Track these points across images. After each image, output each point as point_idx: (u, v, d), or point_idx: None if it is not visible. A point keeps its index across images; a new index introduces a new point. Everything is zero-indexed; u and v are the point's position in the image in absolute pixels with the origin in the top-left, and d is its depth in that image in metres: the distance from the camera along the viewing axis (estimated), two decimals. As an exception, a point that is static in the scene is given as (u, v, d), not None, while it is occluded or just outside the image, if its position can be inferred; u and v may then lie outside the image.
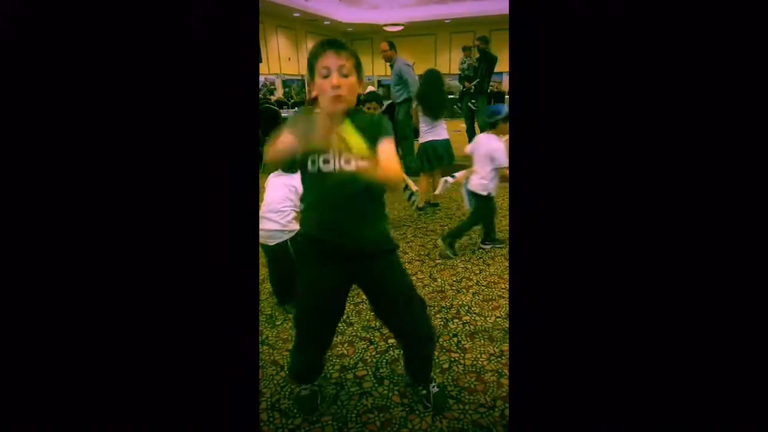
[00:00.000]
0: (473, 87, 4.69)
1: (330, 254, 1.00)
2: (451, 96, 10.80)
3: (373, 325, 1.62)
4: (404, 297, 1.08)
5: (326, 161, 0.94)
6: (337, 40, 0.97)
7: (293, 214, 1.66)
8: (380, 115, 1.05)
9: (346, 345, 1.51)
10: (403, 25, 10.77)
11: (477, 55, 4.78)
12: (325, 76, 0.93)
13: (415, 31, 11.51)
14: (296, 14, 9.70)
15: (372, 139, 0.94)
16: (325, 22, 10.62)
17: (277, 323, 1.66)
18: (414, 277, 2.02)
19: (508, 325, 1.60)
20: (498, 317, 1.66)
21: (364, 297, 1.82)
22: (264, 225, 1.65)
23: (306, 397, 1.22)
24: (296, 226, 1.60)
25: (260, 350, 1.48)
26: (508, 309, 1.72)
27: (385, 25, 10.81)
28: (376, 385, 1.30)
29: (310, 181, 0.98)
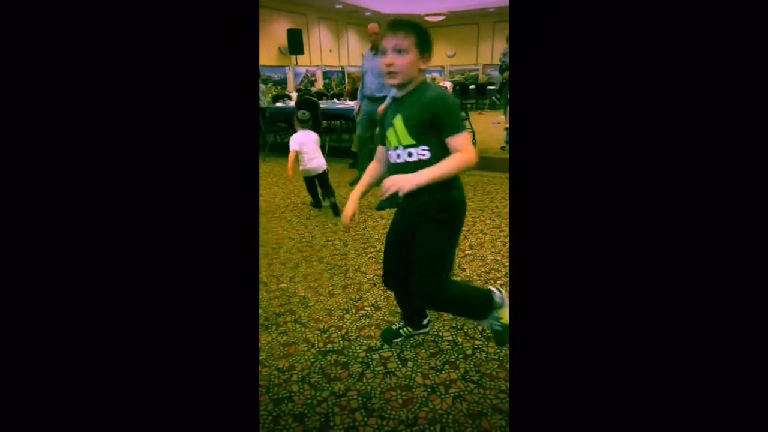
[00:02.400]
0: (513, 78, 4.59)
1: (401, 205, 1.27)
2: (491, 87, 10.56)
3: (400, 311, 1.68)
4: (421, 263, 1.19)
5: (389, 155, 1.17)
6: (398, 20, 1.07)
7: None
8: (439, 92, 1.08)
9: (373, 328, 1.57)
10: (444, 14, 10.62)
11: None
12: (383, 54, 1.07)
13: (457, 20, 11.31)
14: (339, 6, 9.80)
15: (424, 124, 1.08)
16: (366, 13, 10.65)
17: (310, 304, 1.76)
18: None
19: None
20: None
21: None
22: (311, 164, 2.90)
23: (389, 331, 1.50)
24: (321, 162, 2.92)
25: (293, 329, 1.58)
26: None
27: (427, 15, 10.70)
28: (400, 366, 1.36)
29: (388, 165, 1.21)
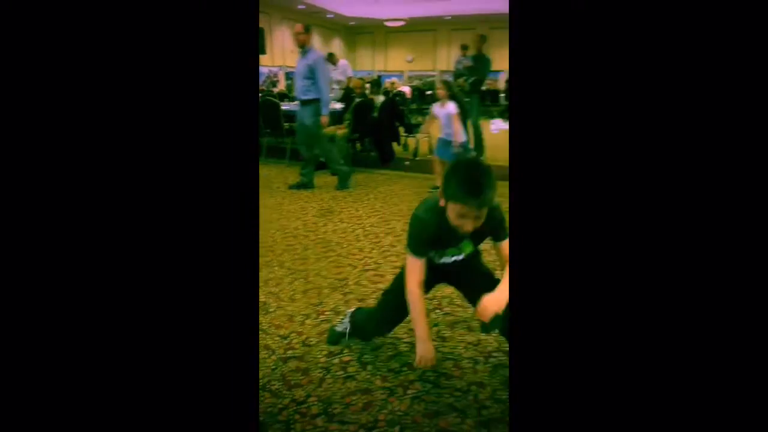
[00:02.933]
0: (468, 85, 4.75)
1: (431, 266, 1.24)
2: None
3: (361, 315, 1.71)
4: (482, 274, 1.31)
5: (446, 259, 1.24)
6: (479, 186, 1.01)
7: None
8: (500, 209, 1.15)
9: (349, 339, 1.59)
10: (404, 20, 10.78)
11: (473, 54, 4.83)
12: (460, 218, 1.05)
13: (416, 26, 11.52)
14: (301, 6, 9.70)
15: (492, 230, 1.17)
16: (329, 15, 10.62)
17: (270, 310, 1.75)
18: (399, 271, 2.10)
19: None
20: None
21: (352, 288, 1.91)
22: None
23: (334, 332, 1.50)
24: None
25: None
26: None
27: (387, 20, 10.82)
28: (360, 369, 1.39)
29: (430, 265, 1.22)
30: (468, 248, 1.24)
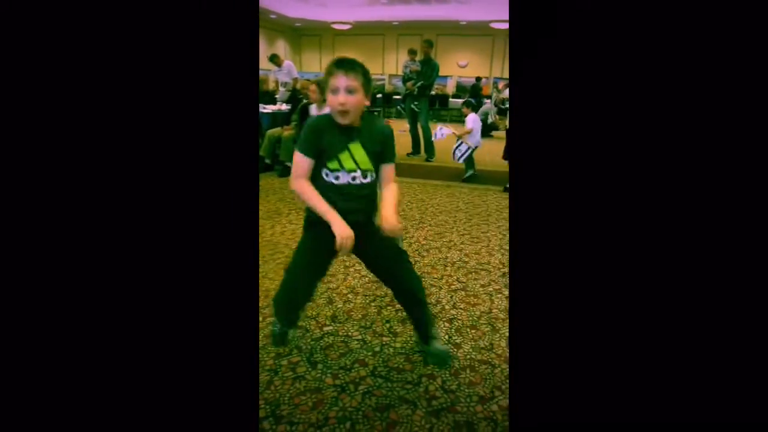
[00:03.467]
0: (416, 89, 4.84)
1: (329, 229, 1.18)
2: (397, 97, 10.97)
3: (309, 314, 1.67)
4: (398, 255, 1.34)
5: (337, 177, 1.22)
6: (347, 59, 1.17)
7: None
8: (386, 127, 1.29)
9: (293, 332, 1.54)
10: (351, 24, 10.81)
11: (421, 59, 4.93)
12: (334, 93, 1.14)
13: (364, 30, 11.59)
14: (241, 5, 9.40)
15: (378, 153, 1.25)
16: (272, 16, 10.40)
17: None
18: (352, 269, 2.09)
19: (436, 311, 1.72)
20: (428, 303, 1.77)
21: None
22: None
23: (277, 334, 1.41)
24: None
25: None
26: (437, 296, 1.84)
27: (334, 23, 10.79)
28: (310, 369, 1.35)
29: (322, 186, 1.23)
30: (364, 161, 1.22)
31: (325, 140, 1.21)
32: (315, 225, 1.23)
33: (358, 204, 1.25)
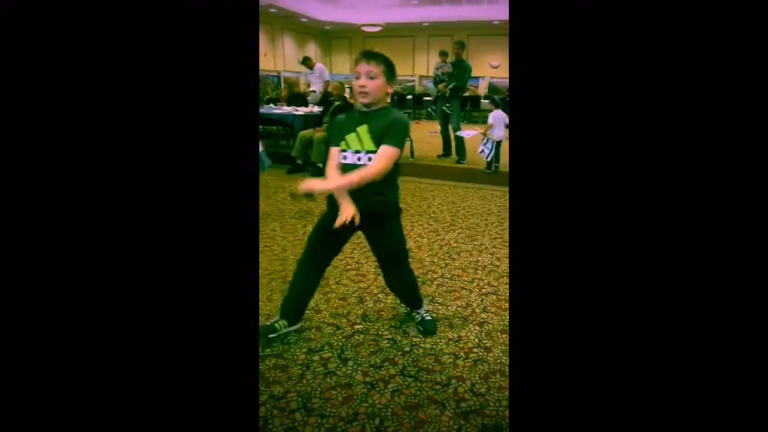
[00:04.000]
0: (447, 91, 4.82)
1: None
2: (428, 98, 10.96)
3: (340, 312, 1.70)
4: (393, 254, 1.47)
5: (344, 158, 1.36)
6: (372, 51, 1.35)
7: None
8: (401, 116, 1.37)
9: (313, 330, 1.58)
10: (381, 25, 10.86)
11: (453, 60, 4.90)
12: (357, 78, 1.32)
13: (394, 32, 11.62)
14: (273, 10, 9.64)
15: (383, 136, 1.32)
16: (302, 19, 10.60)
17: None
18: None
19: (467, 314, 1.72)
20: (459, 306, 1.77)
21: (333, 287, 1.91)
22: None
23: (266, 326, 1.48)
24: None
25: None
26: (468, 299, 1.84)
27: (363, 25, 10.88)
28: (341, 365, 1.38)
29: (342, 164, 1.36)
30: (368, 142, 1.33)
31: (341, 127, 1.39)
32: (331, 208, 1.38)
33: (362, 188, 1.31)
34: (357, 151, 1.35)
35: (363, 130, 1.34)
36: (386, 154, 1.30)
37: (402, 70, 12.49)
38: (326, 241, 1.43)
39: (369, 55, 1.31)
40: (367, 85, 1.30)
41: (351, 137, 1.35)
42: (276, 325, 1.48)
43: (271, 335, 1.47)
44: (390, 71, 1.33)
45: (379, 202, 1.36)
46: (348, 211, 1.27)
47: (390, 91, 1.35)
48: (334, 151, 1.40)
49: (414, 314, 1.61)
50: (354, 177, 1.28)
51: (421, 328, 1.56)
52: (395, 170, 1.37)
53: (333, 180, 1.32)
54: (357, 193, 1.31)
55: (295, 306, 1.51)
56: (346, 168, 1.35)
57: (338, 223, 1.26)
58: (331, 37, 12.71)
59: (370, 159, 1.33)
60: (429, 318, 1.59)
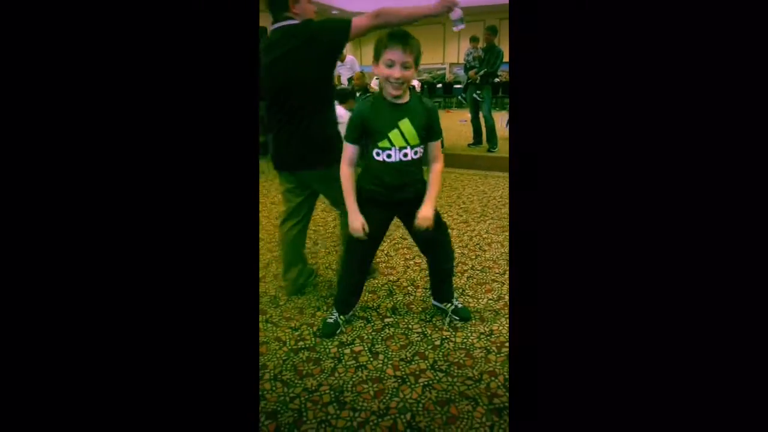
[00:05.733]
0: (478, 78, 4.70)
1: (382, 201, 1.37)
2: (458, 86, 10.75)
3: (371, 305, 1.71)
4: (437, 234, 1.46)
5: (389, 155, 1.30)
6: (404, 32, 1.20)
7: None
8: (431, 102, 1.36)
9: (344, 323, 1.60)
10: (411, 14, 10.68)
11: (484, 46, 4.77)
12: (389, 66, 1.19)
13: (423, 20, 11.43)
14: (304, 3, 9.69)
15: (426, 128, 1.31)
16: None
17: (280, 303, 1.76)
18: (411, 261, 2.10)
19: (498, 307, 1.68)
20: (490, 299, 1.74)
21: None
22: None
23: (330, 324, 1.53)
24: None
25: (264, 328, 1.58)
26: (499, 292, 1.80)
27: (393, 14, 10.73)
28: (371, 359, 1.39)
29: (375, 165, 1.33)
30: (413, 137, 1.29)
31: (373, 123, 1.29)
32: (367, 201, 1.36)
33: (408, 179, 1.34)
34: (401, 147, 1.29)
35: (406, 125, 1.27)
36: (438, 147, 1.35)
37: (432, 58, 12.28)
38: (371, 239, 1.42)
39: (404, 41, 1.17)
40: (404, 76, 1.19)
41: (394, 134, 1.27)
42: (338, 320, 1.54)
43: (337, 330, 1.53)
44: (419, 56, 1.23)
45: (422, 188, 1.38)
46: (356, 222, 1.33)
47: (414, 78, 1.35)
48: (348, 149, 1.33)
49: (446, 306, 1.60)
50: (435, 187, 1.35)
51: (456, 317, 1.57)
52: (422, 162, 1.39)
53: (427, 202, 1.35)
54: (405, 186, 1.34)
55: (346, 298, 1.56)
56: (388, 166, 1.31)
57: (357, 235, 1.34)
58: (360, 27, 12.64)
59: (416, 153, 1.31)
60: (461, 306, 1.61)
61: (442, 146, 1.37)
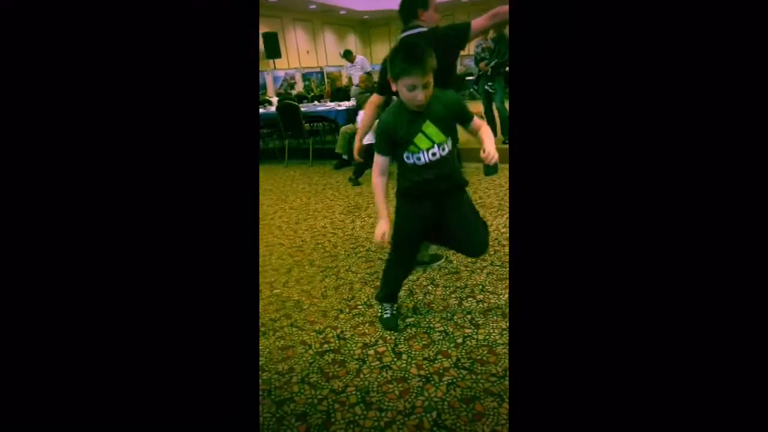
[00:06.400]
0: (489, 69, 4.65)
1: (421, 197, 1.42)
2: (470, 78, 10.61)
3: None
4: (473, 212, 1.51)
5: (418, 158, 1.35)
6: (419, 55, 1.22)
7: None
8: (449, 92, 1.38)
9: (367, 325, 1.63)
10: (418, 8, 10.62)
11: (493, 36, 4.71)
12: (411, 90, 1.25)
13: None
14: (312, 6, 9.77)
15: (450, 121, 1.35)
16: (341, 12, 10.64)
17: (304, 307, 1.80)
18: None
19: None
20: (511, 295, 1.74)
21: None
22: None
23: (389, 319, 1.61)
24: None
25: (290, 332, 1.63)
26: (521, 287, 1.79)
27: (401, 11, 10.70)
28: (395, 359, 1.42)
29: (408, 168, 1.39)
30: (437, 135, 1.34)
31: (400, 133, 1.35)
32: (407, 196, 1.44)
33: (443, 171, 1.38)
34: (428, 149, 1.35)
35: (429, 128, 1.33)
36: (478, 121, 1.37)
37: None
38: (418, 230, 1.49)
39: (421, 65, 1.21)
40: (426, 96, 1.26)
41: (419, 139, 1.33)
42: (394, 313, 1.63)
43: (398, 322, 1.61)
44: (435, 66, 1.27)
45: (460, 175, 1.45)
46: (381, 229, 1.38)
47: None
48: (379, 160, 1.40)
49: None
50: (489, 136, 1.34)
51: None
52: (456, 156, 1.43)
53: (488, 142, 1.33)
54: (439, 180, 1.38)
55: (393, 292, 1.63)
56: (421, 168, 1.36)
57: (376, 241, 1.40)
58: (370, 26, 12.65)
59: (444, 149, 1.36)
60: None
61: (479, 123, 1.38)
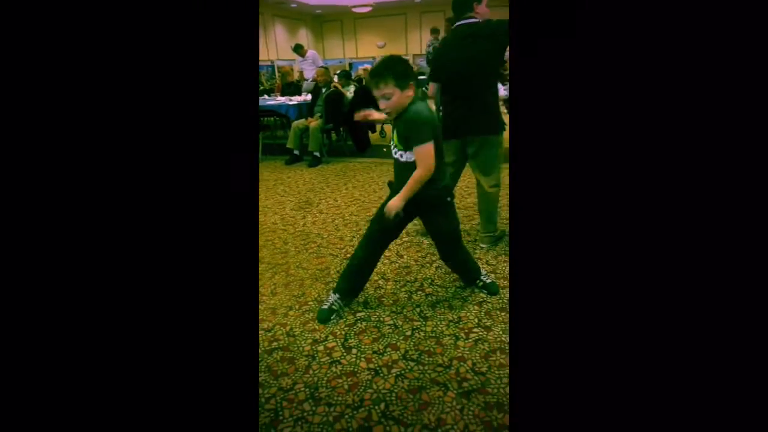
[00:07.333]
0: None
1: (397, 190, 1.49)
2: (422, 77, 10.78)
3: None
4: (450, 235, 1.62)
5: (395, 152, 1.52)
6: (377, 69, 1.38)
7: None
8: (414, 114, 1.42)
9: (317, 321, 1.62)
10: (371, 6, 10.65)
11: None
12: (380, 99, 1.40)
13: (385, 11, 11.39)
14: (262, -3, 9.47)
15: (405, 137, 1.45)
16: (292, 5, 10.41)
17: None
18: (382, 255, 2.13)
19: (465, 295, 1.75)
20: (458, 287, 1.80)
21: (333, 276, 1.94)
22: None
23: (323, 311, 1.62)
24: None
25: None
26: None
27: (354, 7, 10.67)
28: (345, 354, 1.42)
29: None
30: (398, 142, 1.49)
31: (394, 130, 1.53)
32: (390, 184, 1.60)
33: (402, 176, 1.48)
34: (398, 148, 1.50)
35: (397, 128, 1.48)
36: (419, 154, 1.41)
37: (395, 50, 12.28)
38: (386, 225, 1.53)
39: (377, 77, 1.36)
40: (387, 107, 1.41)
41: (395, 137, 1.51)
42: (333, 306, 1.62)
43: (332, 317, 1.61)
44: (401, 79, 1.36)
45: (431, 192, 1.48)
46: (392, 207, 1.45)
47: (411, 93, 1.40)
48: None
49: (478, 282, 1.75)
50: (409, 185, 1.43)
51: (486, 291, 1.73)
52: (437, 159, 1.45)
53: (397, 194, 1.48)
54: (400, 179, 1.50)
55: (351, 285, 1.66)
56: (396, 162, 1.52)
57: (387, 215, 1.47)
58: (322, 21, 12.48)
59: (402, 156, 1.49)
60: (489, 281, 1.76)
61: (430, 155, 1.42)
